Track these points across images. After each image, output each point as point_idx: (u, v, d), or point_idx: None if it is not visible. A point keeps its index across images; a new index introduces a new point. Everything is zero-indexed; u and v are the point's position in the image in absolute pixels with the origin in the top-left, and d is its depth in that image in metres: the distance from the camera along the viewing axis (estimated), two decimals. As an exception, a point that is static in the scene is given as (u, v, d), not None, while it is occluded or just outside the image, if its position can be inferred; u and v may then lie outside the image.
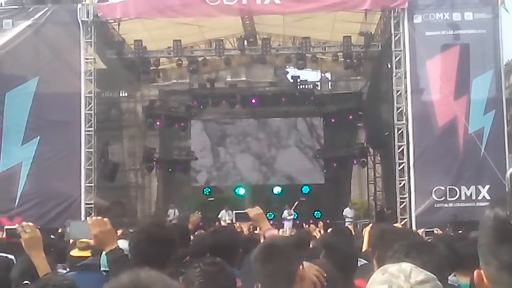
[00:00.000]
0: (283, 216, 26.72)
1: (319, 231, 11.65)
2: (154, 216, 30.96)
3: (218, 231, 5.51)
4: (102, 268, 4.72)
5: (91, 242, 4.33)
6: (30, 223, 4.27)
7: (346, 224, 25.15)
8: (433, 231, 8.34)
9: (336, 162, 33.03)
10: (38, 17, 22.72)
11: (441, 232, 8.24)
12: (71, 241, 6.24)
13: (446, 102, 21.21)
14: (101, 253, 4.69)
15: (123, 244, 4.23)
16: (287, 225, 25.47)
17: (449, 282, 5.04)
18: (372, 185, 32.09)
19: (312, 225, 18.82)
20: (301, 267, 3.16)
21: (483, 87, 21.36)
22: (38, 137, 22.04)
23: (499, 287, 1.54)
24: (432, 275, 2.07)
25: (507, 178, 1.22)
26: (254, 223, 5.18)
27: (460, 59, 21.61)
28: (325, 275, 3.25)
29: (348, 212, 27.01)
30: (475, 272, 1.61)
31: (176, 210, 28.08)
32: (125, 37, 25.66)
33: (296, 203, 27.24)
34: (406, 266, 2.09)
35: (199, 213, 8.71)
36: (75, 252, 6.10)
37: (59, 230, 13.25)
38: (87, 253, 5.65)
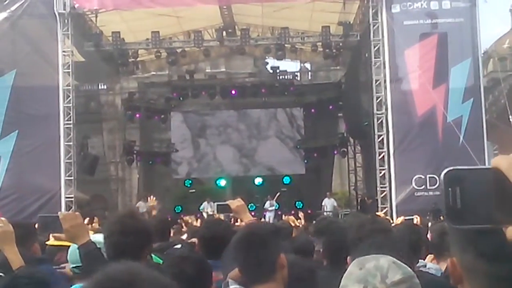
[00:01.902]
0: (265, 207, 26.72)
1: (299, 221, 11.64)
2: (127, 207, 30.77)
3: (211, 222, 5.48)
4: (71, 265, 4.62)
5: (63, 236, 4.29)
6: (3, 218, 4.25)
7: (325, 214, 25.14)
8: (412, 219, 8.40)
9: (317, 152, 33.10)
10: (14, 9, 22.48)
11: (419, 219, 8.31)
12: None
13: (425, 91, 21.32)
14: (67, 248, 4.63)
15: (98, 237, 4.20)
16: (269, 216, 25.49)
17: (427, 267, 5.09)
18: (352, 174, 32.20)
19: (291, 216, 18.83)
20: (281, 255, 3.16)
21: (461, 76, 21.48)
22: (16, 131, 21.85)
23: (475, 275, 1.54)
24: (411, 272, 2.06)
25: (441, 180, 1.23)
26: (235, 215, 5.18)
27: (438, 48, 21.71)
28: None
29: (327, 202, 26.84)
30: (448, 260, 1.61)
31: (146, 204, 27.44)
32: (102, 29, 25.49)
33: (278, 194, 27.26)
34: (384, 262, 2.06)
35: (154, 197, 8.41)
36: (51, 242, 6.03)
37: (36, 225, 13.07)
38: (65, 243, 5.57)
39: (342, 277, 2.11)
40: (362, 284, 2.00)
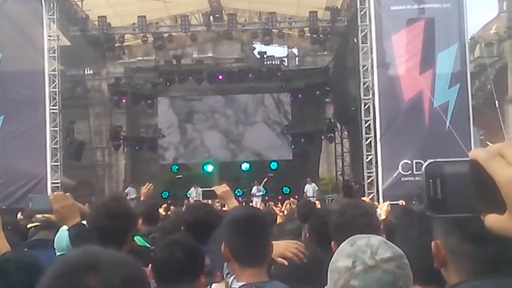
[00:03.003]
0: (252, 193, 26.75)
1: (285, 208, 11.67)
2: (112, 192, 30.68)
3: (195, 207, 5.47)
4: (57, 253, 4.56)
5: (53, 217, 4.27)
6: None
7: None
8: (398, 203, 8.44)
9: (304, 138, 33.16)
10: (-1, -7, 22.28)
11: (405, 204, 8.33)
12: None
13: (412, 76, 21.35)
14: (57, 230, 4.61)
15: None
16: (256, 201, 25.49)
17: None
18: (339, 160, 32.31)
19: (272, 203, 18.94)
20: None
21: (448, 61, 21.53)
22: (2, 117, 21.74)
23: (459, 257, 1.55)
24: (400, 252, 2.08)
25: (422, 172, 1.30)
26: (221, 200, 5.17)
27: (425, 33, 21.73)
28: (303, 251, 3.27)
29: (308, 188, 26.80)
30: (432, 243, 1.62)
31: (136, 190, 27.28)
32: (88, 13, 25.33)
33: (265, 179, 27.29)
34: (374, 240, 2.10)
35: (151, 185, 8.37)
36: (32, 225, 6.01)
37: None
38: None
39: (331, 259, 2.14)
40: (351, 258, 2.03)
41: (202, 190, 5.55)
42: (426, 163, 1.32)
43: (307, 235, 4.96)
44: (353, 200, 4.76)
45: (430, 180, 1.29)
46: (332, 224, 3.74)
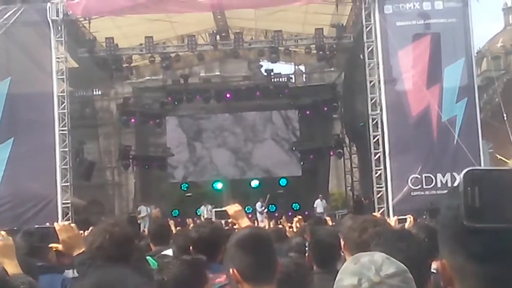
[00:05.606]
0: (256, 209, 26.69)
1: (295, 225, 11.66)
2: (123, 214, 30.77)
3: (201, 225, 5.52)
4: None
5: (59, 247, 4.36)
6: (3, 232, 4.29)
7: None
8: (405, 218, 8.41)
9: (313, 154, 33.12)
10: (7, 17, 22.48)
11: (412, 218, 8.27)
12: None
13: (419, 91, 21.38)
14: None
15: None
16: (260, 217, 25.47)
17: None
18: (349, 175, 32.26)
19: (283, 219, 18.85)
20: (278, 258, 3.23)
21: (455, 75, 21.54)
22: (12, 139, 21.86)
23: (466, 277, 1.56)
24: (404, 267, 2.12)
25: (460, 179, 1.28)
26: (233, 220, 5.21)
27: (431, 48, 21.78)
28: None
29: (318, 204, 26.78)
30: (438, 262, 1.63)
31: (148, 208, 27.38)
32: (96, 35, 25.53)
33: (268, 196, 27.15)
34: (378, 257, 2.13)
35: (159, 209, 8.55)
36: None
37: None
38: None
39: (335, 278, 2.16)
40: (357, 276, 2.06)
41: (215, 211, 5.62)
42: (465, 170, 1.30)
43: (307, 254, 4.98)
44: (369, 217, 4.71)
45: (469, 188, 1.27)
46: (352, 242, 3.76)
